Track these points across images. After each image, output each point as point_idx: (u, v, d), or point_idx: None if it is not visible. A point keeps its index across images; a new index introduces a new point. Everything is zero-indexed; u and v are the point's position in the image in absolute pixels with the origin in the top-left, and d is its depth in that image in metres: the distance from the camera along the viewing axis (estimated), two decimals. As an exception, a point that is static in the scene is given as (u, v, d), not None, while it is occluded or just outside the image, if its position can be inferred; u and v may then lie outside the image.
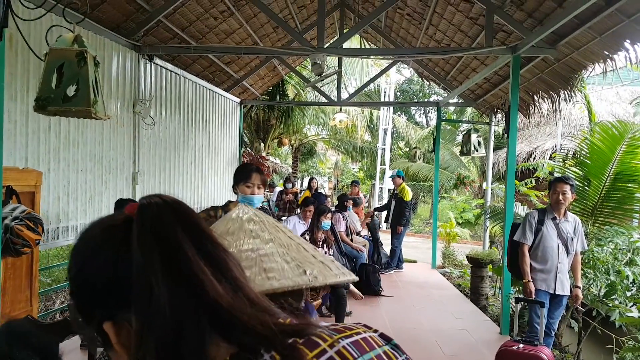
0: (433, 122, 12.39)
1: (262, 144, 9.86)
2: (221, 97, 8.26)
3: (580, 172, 5.33)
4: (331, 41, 6.31)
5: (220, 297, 0.56)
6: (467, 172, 12.32)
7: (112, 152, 5.15)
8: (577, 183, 5.52)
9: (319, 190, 9.59)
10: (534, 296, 3.82)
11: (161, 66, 6.17)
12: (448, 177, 12.50)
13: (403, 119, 19.38)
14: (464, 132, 8.08)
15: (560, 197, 3.82)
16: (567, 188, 3.83)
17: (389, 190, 8.72)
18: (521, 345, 3.34)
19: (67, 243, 4.55)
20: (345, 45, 13.93)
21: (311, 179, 9.75)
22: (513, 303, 4.81)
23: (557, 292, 3.87)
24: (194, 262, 0.57)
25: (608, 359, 4.74)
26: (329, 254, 4.98)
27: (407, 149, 19.49)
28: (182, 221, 0.60)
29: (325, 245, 4.92)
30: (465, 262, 8.02)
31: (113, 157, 5.17)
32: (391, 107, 15.08)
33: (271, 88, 10.51)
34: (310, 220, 5.00)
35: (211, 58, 7.46)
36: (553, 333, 4.08)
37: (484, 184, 8.60)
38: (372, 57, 9.04)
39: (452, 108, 19.60)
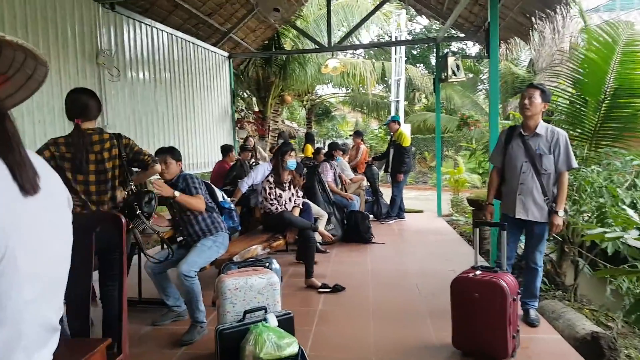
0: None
1: (254, 100, 9.39)
2: (205, 50, 7.97)
3: (576, 92, 4.74)
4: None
5: None
6: (484, 115, 11.60)
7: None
8: (576, 106, 4.95)
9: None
10: (490, 219, 3.41)
11: (127, 16, 5.94)
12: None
13: (419, 69, 18.46)
14: (441, 59, 7.42)
15: (526, 100, 3.24)
16: (536, 93, 3.25)
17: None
18: (478, 272, 3.00)
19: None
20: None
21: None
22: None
23: (518, 216, 3.36)
24: None
25: (610, 291, 4.29)
26: (297, 197, 4.70)
27: (426, 102, 18.72)
28: None
29: (292, 186, 4.63)
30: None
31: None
32: (403, 58, 14.33)
33: (267, 42, 10.09)
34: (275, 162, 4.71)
35: (189, 9, 7.16)
36: (538, 267, 3.52)
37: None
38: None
39: (471, 56, 18.53)
